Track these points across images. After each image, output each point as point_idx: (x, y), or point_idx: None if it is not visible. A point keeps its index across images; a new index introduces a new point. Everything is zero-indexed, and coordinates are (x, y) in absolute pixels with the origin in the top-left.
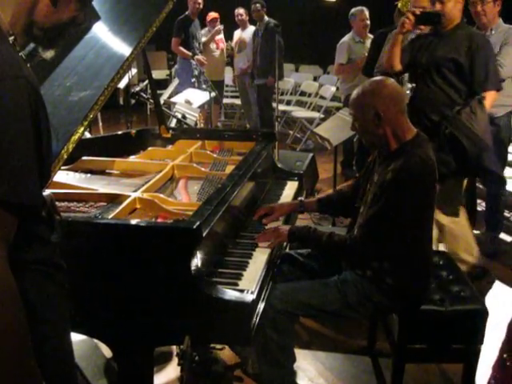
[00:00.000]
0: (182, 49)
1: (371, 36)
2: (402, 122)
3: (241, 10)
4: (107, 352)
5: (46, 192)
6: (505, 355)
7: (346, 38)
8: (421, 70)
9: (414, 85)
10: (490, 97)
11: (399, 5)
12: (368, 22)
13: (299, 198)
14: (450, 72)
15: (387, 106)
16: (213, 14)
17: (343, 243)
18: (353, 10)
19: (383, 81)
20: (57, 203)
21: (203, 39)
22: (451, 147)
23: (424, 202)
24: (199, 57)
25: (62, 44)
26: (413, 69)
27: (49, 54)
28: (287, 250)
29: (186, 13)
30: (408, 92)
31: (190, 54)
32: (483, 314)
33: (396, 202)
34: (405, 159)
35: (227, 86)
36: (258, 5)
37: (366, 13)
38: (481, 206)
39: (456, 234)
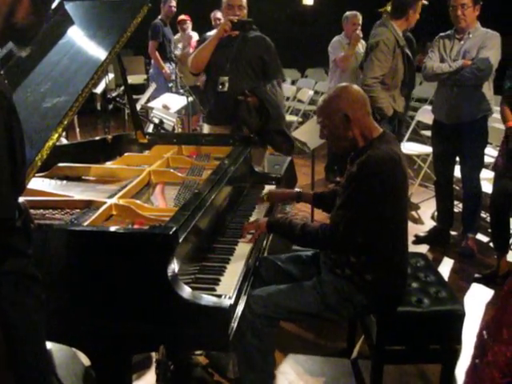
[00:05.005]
0: (157, 55)
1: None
2: (368, 122)
3: (218, 14)
4: (86, 360)
5: (20, 200)
6: (477, 361)
7: (337, 37)
8: (231, 65)
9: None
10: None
11: (389, 9)
12: (359, 26)
13: (297, 189)
14: (258, 66)
15: (354, 108)
16: (182, 16)
17: (315, 232)
18: (347, 13)
19: (347, 86)
20: (32, 211)
21: (178, 52)
22: (258, 111)
23: (390, 194)
24: (167, 71)
25: (36, 41)
26: (218, 66)
27: (24, 53)
28: (265, 255)
29: (159, 17)
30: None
31: (162, 63)
32: (460, 315)
33: (362, 191)
34: (370, 153)
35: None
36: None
37: (359, 18)
38: (457, 207)
39: None
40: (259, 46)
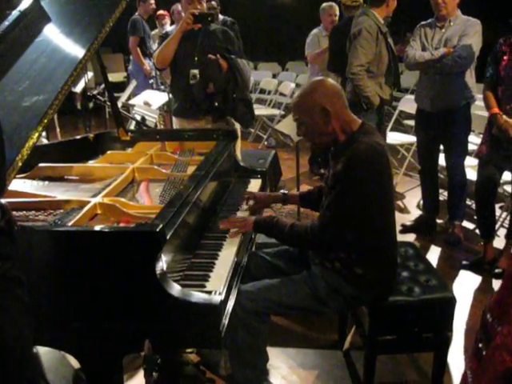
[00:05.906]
0: (138, 51)
1: None
2: (347, 115)
3: (179, 7)
4: (75, 363)
5: (2, 201)
6: (480, 344)
7: (315, 30)
8: (198, 58)
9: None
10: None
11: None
12: (336, 18)
13: (281, 191)
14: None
15: (332, 101)
16: (161, 11)
17: (304, 232)
18: (324, 4)
19: (322, 80)
20: (14, 213)
21: (155, 46)
22: (226, 76)
23: (378, 188)
24: (147, 67)
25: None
26: (185, 60)
27: None
28: (254, 250)
29: (137, 13)
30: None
31: (142, 59)
32: (451, 302)
33: (350, 189)
34: (353, 147)
35: None
36: (213, 2)
37: (336, 9)
38: (443, 195)
39: None
40: (223, 38)
